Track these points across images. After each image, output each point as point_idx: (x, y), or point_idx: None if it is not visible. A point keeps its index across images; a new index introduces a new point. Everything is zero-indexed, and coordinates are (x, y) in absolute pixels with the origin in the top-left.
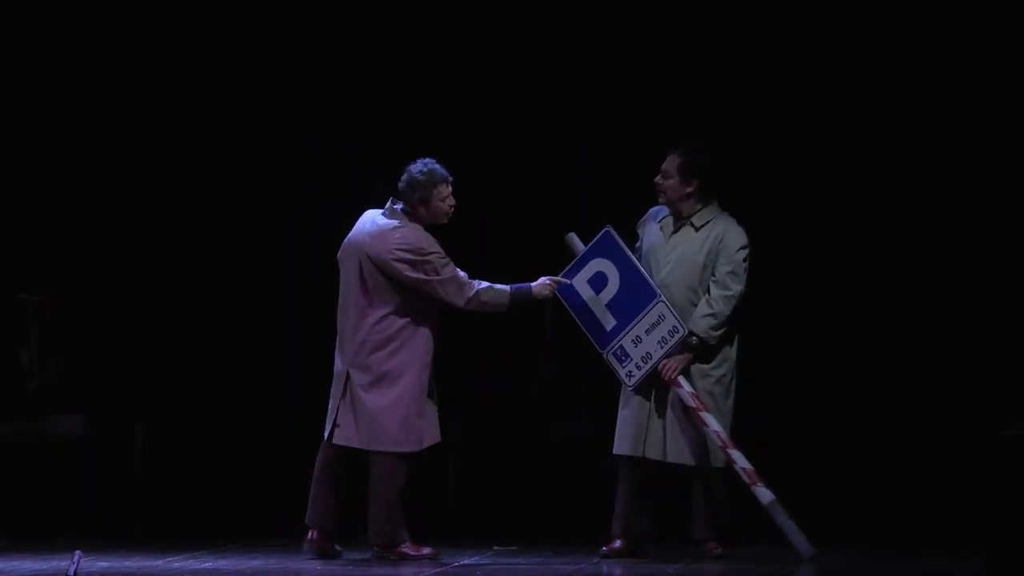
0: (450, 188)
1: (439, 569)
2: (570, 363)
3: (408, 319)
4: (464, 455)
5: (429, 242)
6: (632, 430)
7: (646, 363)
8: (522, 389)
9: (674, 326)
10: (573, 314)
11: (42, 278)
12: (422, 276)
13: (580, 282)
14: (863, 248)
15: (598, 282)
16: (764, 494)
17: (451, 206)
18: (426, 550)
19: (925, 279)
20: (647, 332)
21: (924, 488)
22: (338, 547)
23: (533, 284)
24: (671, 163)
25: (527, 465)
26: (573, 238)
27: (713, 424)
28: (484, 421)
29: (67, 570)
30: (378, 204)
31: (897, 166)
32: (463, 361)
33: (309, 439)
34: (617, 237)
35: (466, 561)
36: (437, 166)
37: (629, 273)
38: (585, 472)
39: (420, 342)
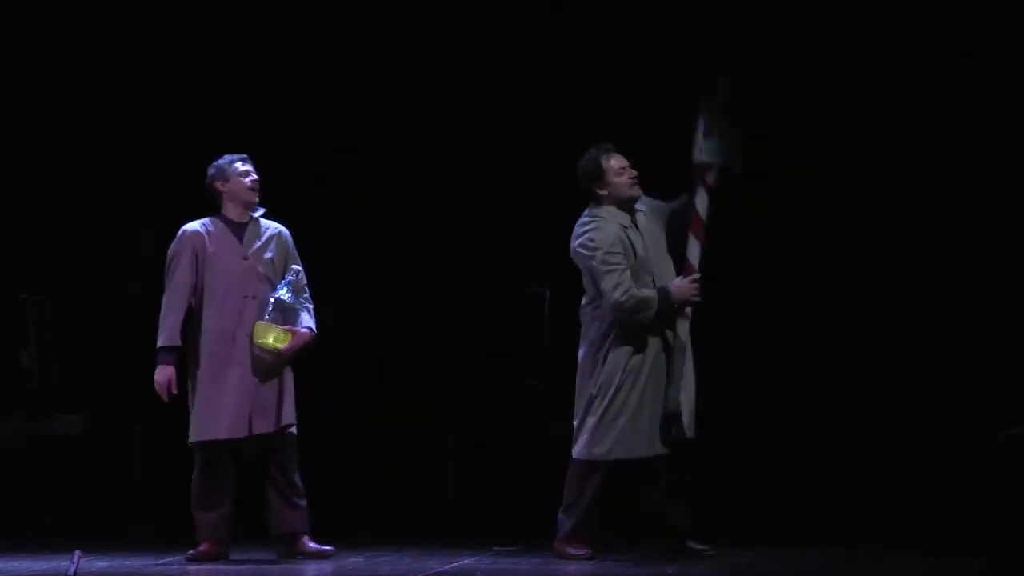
0: (247, 164)
1: (439, 569)
2: (568, 363)
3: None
4: (464, 455)
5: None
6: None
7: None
8: (521, 389)
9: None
10: None
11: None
12: None
13: None
14: (862, 248)
15: None
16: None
17: (252, 180)
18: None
19: (925, 279)
20: None
21: (924, 488)
22: (331, 547)
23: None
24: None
25: (527, 465)
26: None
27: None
28: (483, 421)
29: (67, 570)
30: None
31: (896, 167)
32: (461, 360)
33: (309, 439)
34: None
35: (466, 561)
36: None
37: None
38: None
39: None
